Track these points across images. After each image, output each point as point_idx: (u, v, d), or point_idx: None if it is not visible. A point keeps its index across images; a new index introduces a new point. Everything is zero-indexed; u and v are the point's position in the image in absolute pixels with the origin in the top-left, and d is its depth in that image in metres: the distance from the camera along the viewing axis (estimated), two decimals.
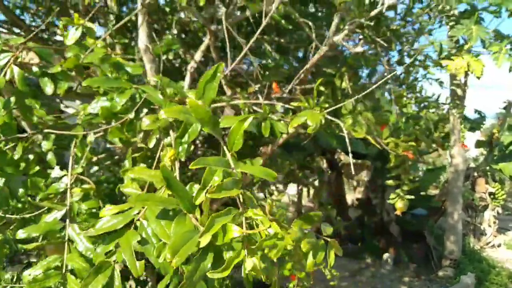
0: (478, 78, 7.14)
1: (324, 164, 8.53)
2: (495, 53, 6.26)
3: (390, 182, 2.39)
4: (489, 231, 8.40)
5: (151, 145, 1.33)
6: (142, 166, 1.35)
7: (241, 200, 0.97)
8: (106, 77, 1.44)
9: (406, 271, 6.91)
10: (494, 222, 8.47)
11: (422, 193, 9.56)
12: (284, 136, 2.38)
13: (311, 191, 8.96)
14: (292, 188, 9.76)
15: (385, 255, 7.20)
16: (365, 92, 1.41)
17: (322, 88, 2.08)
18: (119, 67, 1.45)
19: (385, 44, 2.43)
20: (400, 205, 2.36)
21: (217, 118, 1.09)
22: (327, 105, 1.36)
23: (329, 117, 1.27)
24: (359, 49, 1.91)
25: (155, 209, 1.07)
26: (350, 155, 1.58)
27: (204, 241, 0.89)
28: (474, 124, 7.78)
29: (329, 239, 1.17)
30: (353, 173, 8.52)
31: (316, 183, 8.93)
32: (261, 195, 5.19)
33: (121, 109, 1.34)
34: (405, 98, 2.36)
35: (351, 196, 10.74)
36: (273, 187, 8.42)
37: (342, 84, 1.98)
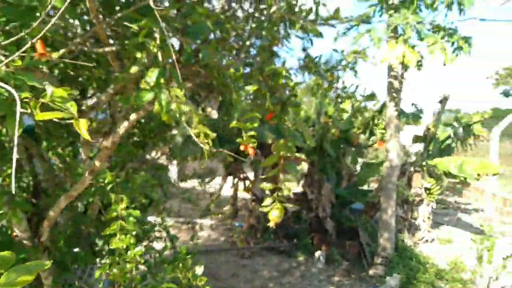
0: (419, 69, 6.75)
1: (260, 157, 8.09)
2: (431, 45, 5.94)
3: (265, 185, 1.91)
4: (424, 226, 8.36)
5: None
6: None
7: None
8: None
9: (337, 270, 6.63)
10: (429, 217, 8.44)
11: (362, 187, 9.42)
12: (126, 124, 1.82)
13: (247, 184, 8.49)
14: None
15: (317, 253, 6.90)
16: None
17: (138, 55, 1.51)
18: None
19: None
20: (274, 214, 1.89)
21: None
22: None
23: None
24: None
25: None
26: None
27: None
28: (411, 119, 7.63)
29: None
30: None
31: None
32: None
33: None
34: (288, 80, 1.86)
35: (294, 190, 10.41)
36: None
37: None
